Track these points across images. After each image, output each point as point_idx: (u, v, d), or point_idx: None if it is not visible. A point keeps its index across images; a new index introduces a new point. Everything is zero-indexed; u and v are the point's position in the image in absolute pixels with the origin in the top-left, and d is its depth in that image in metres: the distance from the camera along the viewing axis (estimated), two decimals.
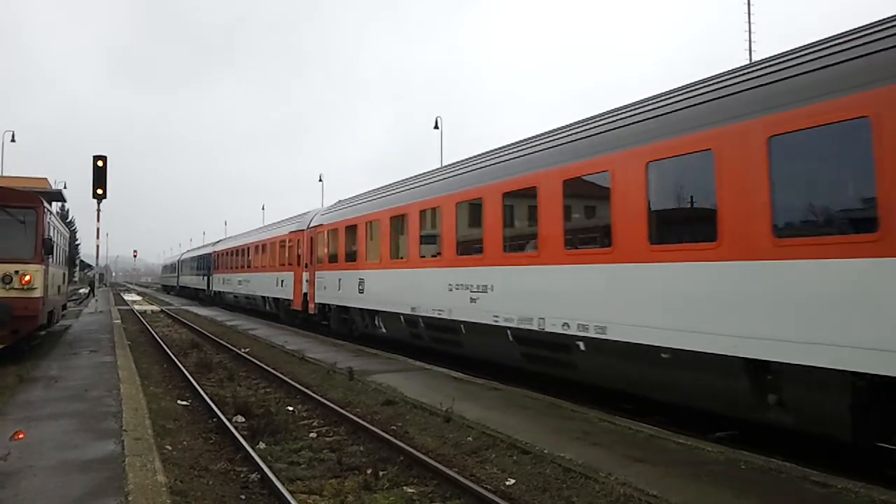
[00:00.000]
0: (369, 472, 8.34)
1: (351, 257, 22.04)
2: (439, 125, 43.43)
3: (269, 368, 16.39)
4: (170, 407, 12.22)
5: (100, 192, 30.47)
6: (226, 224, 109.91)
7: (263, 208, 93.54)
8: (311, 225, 26.82)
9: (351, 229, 22.27)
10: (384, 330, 19.75)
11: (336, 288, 23.08)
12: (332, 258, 23.89)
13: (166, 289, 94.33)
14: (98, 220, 33.28)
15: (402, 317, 17.94)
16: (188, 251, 77.18)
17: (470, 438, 9.61)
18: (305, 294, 26.85)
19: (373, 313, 20.21)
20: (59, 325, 25.81)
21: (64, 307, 28.43)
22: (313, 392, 13.28)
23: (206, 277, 54.32)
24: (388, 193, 20.09)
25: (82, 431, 9.33)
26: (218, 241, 54.70)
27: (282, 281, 30.60)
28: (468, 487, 7.45)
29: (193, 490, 7.52)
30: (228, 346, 21.56)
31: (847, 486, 7.14)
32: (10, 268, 15.95)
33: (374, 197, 21.24)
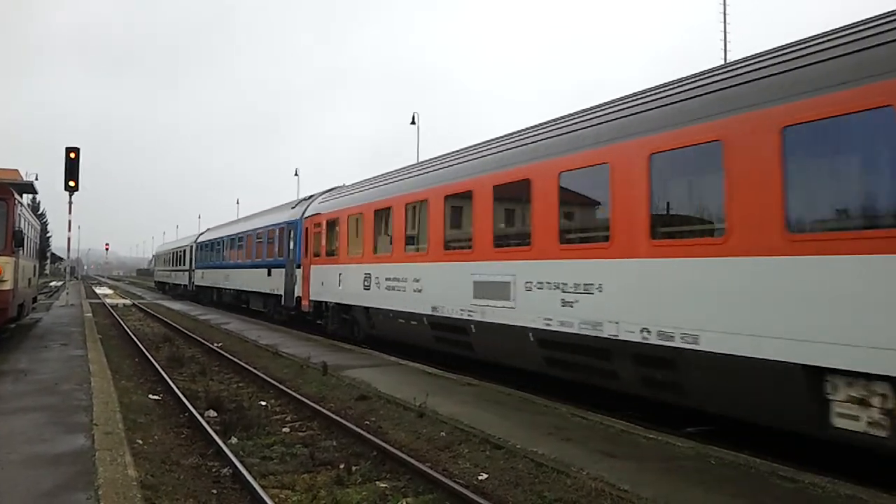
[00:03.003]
0: (342, 466, 8.33)
1: None
2: (416, 121, 43.45)
3: (242, 363, 16.31)
4: (141, 401, 12.11)
5: (72, 184, 30.08)
6: (199, 217, 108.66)
7: (238, 202, 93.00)
8: None
9: None
10: None
11: None
12: None
13: (161, 287, 67.57)
14: (70, 212, 32.88)
15: None
16: (213, 228, 48.12)
17: (443, 433, 9.63)
18: None
19: None
20: (29, 317, 25.47)
21: (34, 300, 28.06)
22: (287, 387, 13.23)
23: (265, 272, 29.70)
24: None
25: (52, 425, 9.23)
26: (306, 200, 27.29)
27: None
28: (441, 482, 7.47)
29: (164, 484, 7.46)
30: (201, 340, 21.41)
31: (815, 480, 7.25)
32: None
33: None
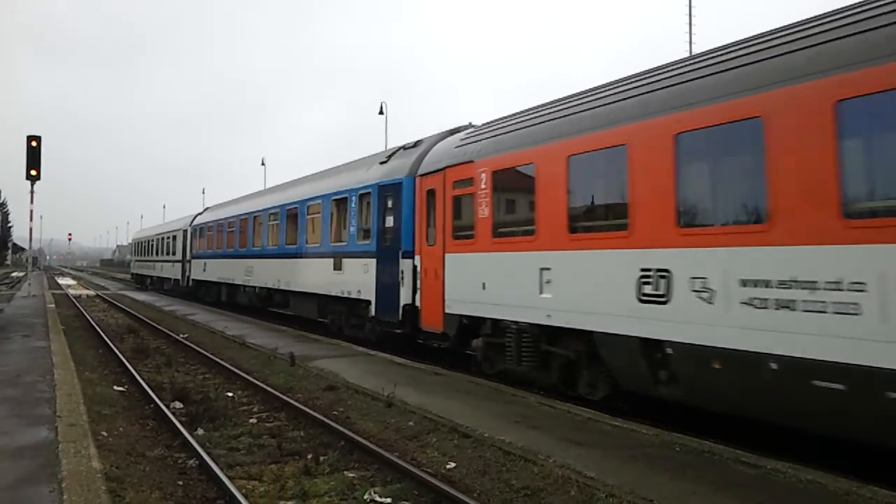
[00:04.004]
0: (310, 457, 8.32)
1: None
2: (384, 111, 43.31)
3: (208, 354, 16.18)
4: (105, 393, 11.97)
5: (33, 173, 29.55)
6: (164, 207, 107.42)
7: (204, 192, 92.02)
8: None
9: None
10: None
11: None
12: None
13: (140, 281, 55.31)
14: (32, 201, 32.28)
15: None
16: (217, 206, 36.49)
17: (411, 423, 9.65)
18: None
19: None
20: None
21: None
22: (254, 378, 13.17)
23: (330, 264, 19.53)
24: None
25: (14, 417, 9.08)
26: (410, 148, 16.95)
27: None
28: (409, 471, 7.49)
29: (129, 476, 7.39)
30: (166, 331, 21.20)
31: (776, 466, 7.38)
32: None
33: None
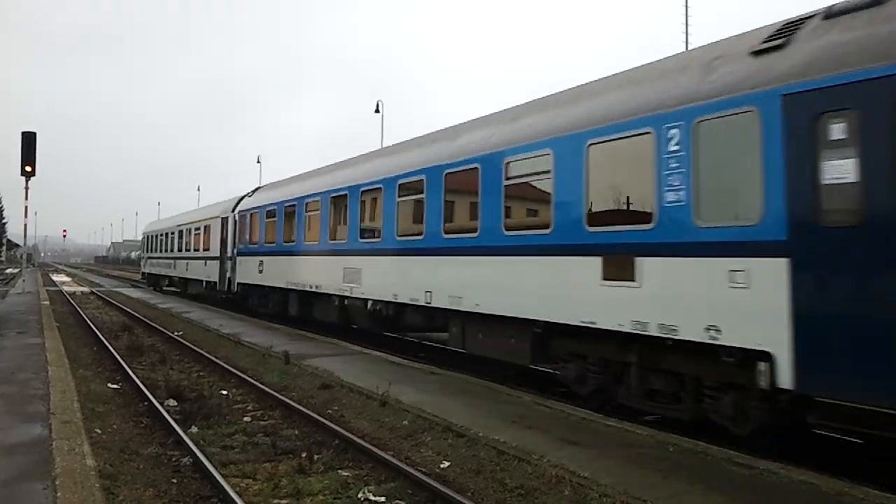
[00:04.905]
0: (304, 455, 8.31)
1: None
2: (380, 109, 43.31)
3: (202, 352, 16.14)
4: (100, 390, 11.96)
5: (28, 169, 29.45)
6: (159, 205, 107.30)
7: (199, 189, 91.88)
8: None
9: None
10: None
11: None
12: None
13: (154, 283, 46.66)
14: (27, 198, 32.19)
15: None
16: (272, 186, 26.93)
17: (406, 422, 9.65)
18: None
19: None
20: None
21: None
22: (248, 376, 13.15)
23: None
24: None
25: (7, 414, 9.06)
26: None
27: None
28: (403, 470, 7.49)
29: (123, 474, 7.38)
30: (161, 329, 21.15)
31: (769, 467, 7.40)
32: None
33: None
